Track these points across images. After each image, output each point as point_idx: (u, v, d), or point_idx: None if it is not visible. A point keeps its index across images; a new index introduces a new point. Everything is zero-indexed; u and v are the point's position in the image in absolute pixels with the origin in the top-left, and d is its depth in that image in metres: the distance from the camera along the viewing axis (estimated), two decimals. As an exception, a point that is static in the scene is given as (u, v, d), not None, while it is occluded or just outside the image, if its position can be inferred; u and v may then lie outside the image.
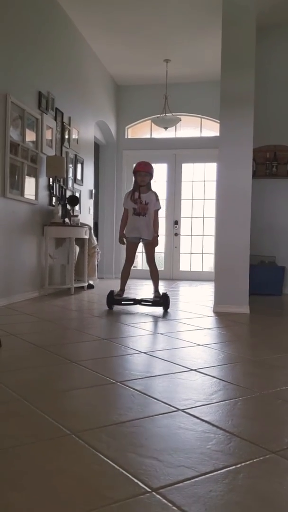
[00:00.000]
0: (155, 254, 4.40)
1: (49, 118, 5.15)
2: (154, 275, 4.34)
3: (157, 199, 4.27)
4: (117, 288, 4.38)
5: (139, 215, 4.20)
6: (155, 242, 4.28)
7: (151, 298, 4.24)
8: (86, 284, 5.78)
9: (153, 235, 4.24)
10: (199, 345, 2.85)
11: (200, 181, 7.92)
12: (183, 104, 7.61)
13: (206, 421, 1.61)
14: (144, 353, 2.60)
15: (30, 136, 4.72)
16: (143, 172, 4.20)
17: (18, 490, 1.14)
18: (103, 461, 1.29)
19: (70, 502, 1.08)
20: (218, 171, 4.44)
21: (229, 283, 4.18)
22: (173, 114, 7.04)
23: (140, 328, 3.35)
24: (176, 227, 7.96)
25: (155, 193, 4.28)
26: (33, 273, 4.83)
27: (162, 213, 8.05)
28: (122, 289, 4.30)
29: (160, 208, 4.33)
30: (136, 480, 1.19)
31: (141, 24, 5.81)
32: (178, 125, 7.43)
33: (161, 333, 3.23)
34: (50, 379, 2.09)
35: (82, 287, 5.78)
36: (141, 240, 4.28)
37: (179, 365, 2.36)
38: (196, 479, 1.22)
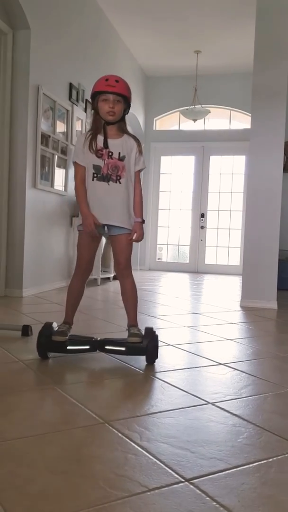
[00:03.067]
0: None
1: (79, 109, 5.18)
2: (131, 296, 2.36)
3: (140, 152, 2.31)
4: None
5: (107, 181, 2.20)
6: (138, 235, 2.26)
7: (123, 339, 2.25)
8: (112, 275, 5.83)
9: (134, 221, 2.27)
10: (227, 339, 2.85)
11: (228, 174, 7.84)
12: (213, 96, 7.53)
13: (236, 415, 1.62)
14: (172, 345, 2.62)
15: (61, 127, 4.76)
16: (112, 94, 2.15)
17: (57, 474, 1.17)
18: (137, 450, 1.32)
19: (107, 487, 1.12)
20: (248, 164, 4.39)
21: (257, 277, 4.15)
22: (202, 106, 6.97)
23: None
24: (202, 220, 7.92)
25: (135, 139, 2.30)
26: (61, 263, 4.90)
27: (188, 206, 8.04)
28: (69, 321, 2.29)
29: (145, 167, 2.35)
30: (169, 470, 1.22)
31: (172, 15, 5.76)
32: (206, 117, 7.37)
33: (188, 326, 3.24)
34: (80, 369, 2.13)
35: (108, 278, 5.83)
36: (106, 229, 2.27)
37: (207, 358, 2.37)
38: (228, 471, 1.23)
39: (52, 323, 2.23)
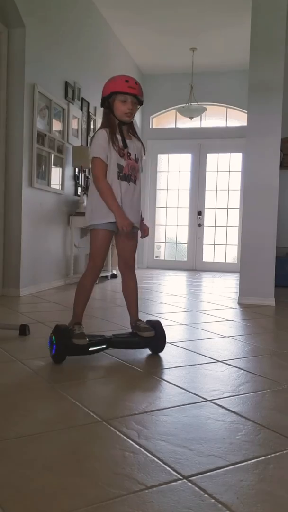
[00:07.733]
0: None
1: (76, 108, 5.17)
2: (136, 292, 2.40)
3: (144, 155, 2.39)
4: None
5: (128, 181, 2.24)
6: (148, 231, 2.42)
7: (134, 333, 2.33)
8: (110, 273, 5.83)
9: (141, 220, 2.39)
10: (225, 336, 2.85)
11: (225, 171, 7.84)
12: (209, 93, 7.52)
13: (234, 412, 1.62)
14: (170, 343, 2.61)
15: (57, 126, 4.75)
16: (131, 96, 2.18)
17: (54, 473, 1.17)
18: (135, 448, 1.32)
19: (105, 485, 1.11)
20: (245, 161, 4.39)
21: (254, 275, 4.15)
22: (199, 103, 6.97)
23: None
24: (199, 217, 7.92)
25: (141, 142, 2.38)
26: (58, 262, 4.89)
27: (185, 203, 8.04)
28: (80, 321, 2.26)
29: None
30: (167, 468, 1.21)
31: (168, 13, 5.74)
32: (203, 115, 7.36)
33: (186, 324, 3.24)
34: (78, 367, 2.13)
35: (106, 277, 5.83)
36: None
37: (205, 356, 2.37)
38: (227, 468, 1.23)
39: (65, 326, 2.18)
